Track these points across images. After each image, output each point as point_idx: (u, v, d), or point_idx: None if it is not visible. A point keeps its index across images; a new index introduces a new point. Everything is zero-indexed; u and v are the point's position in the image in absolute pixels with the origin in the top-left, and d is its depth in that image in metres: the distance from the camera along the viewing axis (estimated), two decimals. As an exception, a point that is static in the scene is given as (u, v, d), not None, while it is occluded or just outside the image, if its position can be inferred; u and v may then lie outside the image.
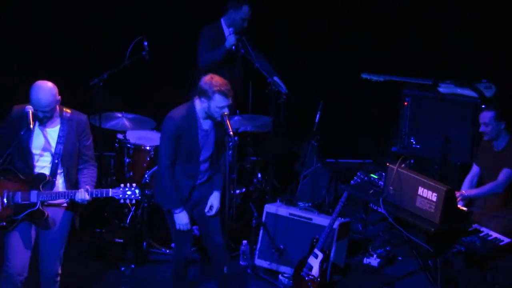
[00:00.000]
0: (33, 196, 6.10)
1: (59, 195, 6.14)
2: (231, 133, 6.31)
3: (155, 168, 8.19)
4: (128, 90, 9.44)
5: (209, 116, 6.48)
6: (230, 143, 6.42)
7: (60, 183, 6.22)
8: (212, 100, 6.37)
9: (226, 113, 6.38)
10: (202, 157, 6.59)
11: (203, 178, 6.68)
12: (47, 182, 6.12)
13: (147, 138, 8.54)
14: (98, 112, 7.95)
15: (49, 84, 6.09)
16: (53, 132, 6.16)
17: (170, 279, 7.01)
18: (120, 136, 8.43)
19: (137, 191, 6.21)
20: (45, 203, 6.15)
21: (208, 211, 6.68)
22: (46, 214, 6.14)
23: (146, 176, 8.19)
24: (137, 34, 8.03)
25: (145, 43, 7.96)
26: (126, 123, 8.28)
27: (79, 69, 9.37)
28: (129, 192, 6.20)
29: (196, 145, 6.53)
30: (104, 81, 7.86)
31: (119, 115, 8.33)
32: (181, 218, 6.61)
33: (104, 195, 6.17)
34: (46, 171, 6.16)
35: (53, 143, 6.15)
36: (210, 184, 6.72)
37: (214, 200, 6.70)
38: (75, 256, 7.77)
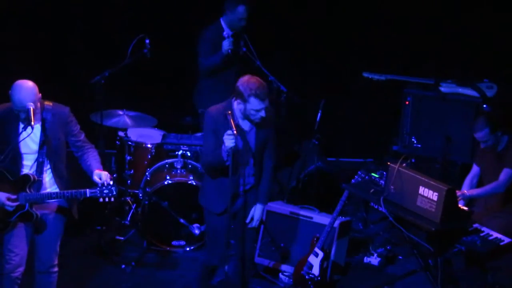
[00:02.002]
0: (22, 198, 6.09)
1: (44, 196, 6.12)
2: (235, 132, 6.19)
3: (156, 165, 8.21)
4: (130, 87, 9.45)
5: (246, 117, 6.36)
6: (233, 140, 6.22)
7: (47, 181, 6.21)
8: (248, 103, 6.25)
9: (264, 115, 6.27)
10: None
11: (246, 185, 6.53)
12: (32, 183, 6.09)
13: (148, 136, 8.55)
14: (99, 110, 7.94)
15: (30, 83, 6.01)
16: (36, 129, 6.10)
17: (194, 280, 6.95)
18: (121, 133, 8.43)
19: (113, 188, 6.09)
20: (34, 204, 6.14)
21: (249, 223, 6.58)
22: (35, 216, 6.13)
23: (147, 173, 8.20)
24: (138, 31, 8.03)
25: (147, 41, 7.96)
26: (127, 120, 8.27)
27: (80, 67, 9.38)
28: (106, 191, 6.10)
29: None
30: (106, 78, 7.86)
31: (121, 112, 8.32)
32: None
33: (82, 195, 6.11)
34: (33, 169, 6.14)
35: (37, 140, 6.12)
36: (255, 194, 6.59)
37: (256, 212, 6.58)
38: (76, 253, 7.78)
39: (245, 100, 6.26)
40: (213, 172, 6.48)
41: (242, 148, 6.40)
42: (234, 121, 6.27)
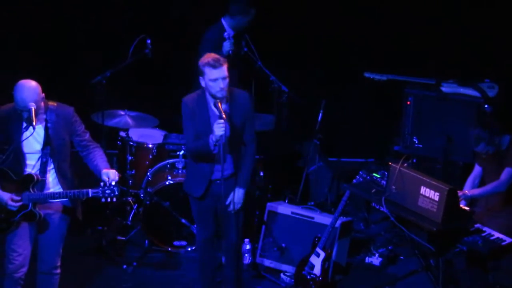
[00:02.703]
0: (25, 198, 6.09)
1: (47, 196, 6.12)
2: (224, 116, 6.23)
3: (158, 166, 8.21)
4: (131, 88, 9.45)
5: (213, 96, 6.39)
6: (223, 128, 6.25)
7: (51, 181, 6.20)
8: (205, 75, 6.36)
9: (222, 85, 6.30)
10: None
11: (226, 170, 6.56)
12: (36, 182, 6.09)
13: (150, 136, 8.55)
14: (100, 110, 7.96)
15: (33, 83, 6.02)
16: (39, 129, 6.10)
17: (197, 264, 7.03)
18: (122, 133, 8.44)
19: (115, 189, 6.09)
20: (37, 204, 6.14)
21: (229, 207, 6.60)
22: (38, 216, 6.13)
23: (148, 174, 8.20)
24: (139, 31, 8.03)
25: (148, 41, 7.97)
26: (129, 120, 8.28)
27: (81, 67, 9.39)
28: (108, 191, 6.09)
29: (208, 128, 6.40)
30: (107, 78, 7.86)
31: (122, 112, 8.33)
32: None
33: (85, 195, 6.11)
34: (36, 169, 6.14)
35: (40, 139, 6.12)
36: (236, 180, 6.63)
37: (236, 196, 6.61)
38: (77, 253, 7.79)
39: (202, 74, 6.37)
40: (198, 158, 6.58)
41: (229, 135, 6.41)
42: (216, 108, 6.34)
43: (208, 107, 6.49)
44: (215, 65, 6.32)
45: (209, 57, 6.39)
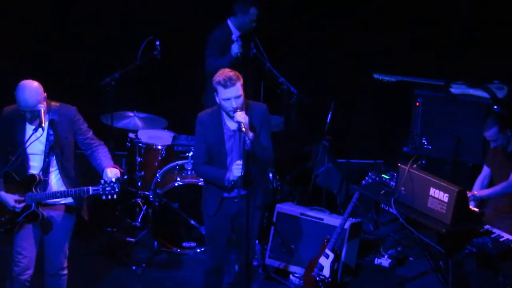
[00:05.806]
0: (28, 198, 6.09)
1: (49, 195, 6.11)
2: (243, 129, 6.01)
3: (167, 167, 8.21)
4: (140, 89, 9.47)
5: (228, 114, 6.20)
6: (247, 141, 6.08)
7: (54, 182, 6.19)
8: (218, 93, 6.15)
9: (234, 105, 6.05)
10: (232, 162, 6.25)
11: (242, 191, 6.24)
12: (38, 182, 6.08)
13: (159, 137, 8.56)
14: (109, 111, 7.97)
15: (35, 83, 6.00)
16: (42, 129, 6.05)
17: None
18: (131, 135, 8.45)
19: (115, 185, 6.03)
20: (41, 204, 6.13)
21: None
22: (41, 215, 6.12)
23: (157, 175, 8.20)
24: (148, 33, 8.04)
25: (157, 43, 7.97)
26: (138, 122, 8.29)
27: (91, 68, 9.41)
28: (108, 188, 6.03)
29: (221, 146, 6.26)
30: (116, 80, 7.87)
31: (131, 114, 8.34)
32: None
33: (85, 193, 6.06)
34: (40, 170, 6.11)
35: (43, 140, 6.10)
36: (253, 200, 6.33)
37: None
38: (86, 255, 7.80)
39: (216, 92, 6.16)
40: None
41: (234, 150, 6.24)
42: (222, 120, 6.24)
43: (222, 123, 6.28)
44: (226, 84, 6.06)
45: (221, 75, 6.12)
